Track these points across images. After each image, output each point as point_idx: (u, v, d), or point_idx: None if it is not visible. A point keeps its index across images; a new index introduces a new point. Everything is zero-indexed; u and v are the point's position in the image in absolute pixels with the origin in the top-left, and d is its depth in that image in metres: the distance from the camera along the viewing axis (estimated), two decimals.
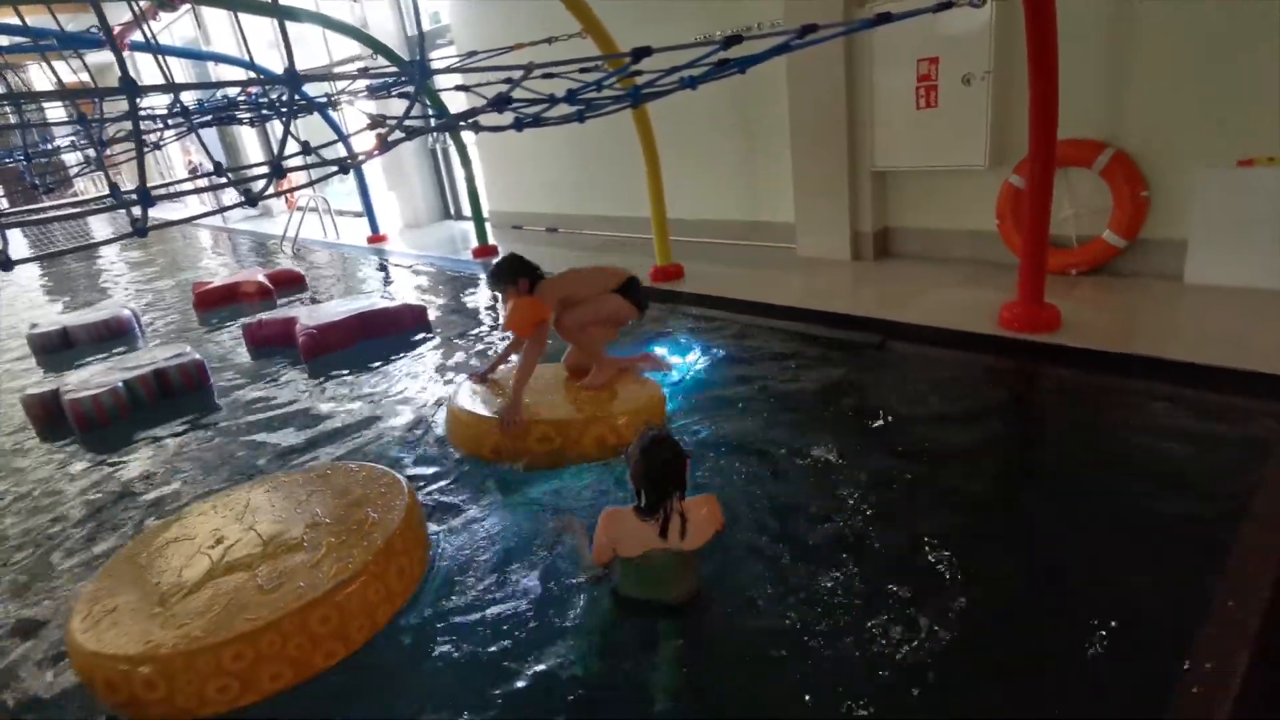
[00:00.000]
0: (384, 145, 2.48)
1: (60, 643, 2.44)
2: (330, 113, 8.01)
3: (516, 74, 3.08)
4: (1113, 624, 1.95)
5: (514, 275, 3.42)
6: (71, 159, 10.80)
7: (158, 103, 9.07)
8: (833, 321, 4.53)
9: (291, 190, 12.04)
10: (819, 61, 5.25)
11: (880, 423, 3.26)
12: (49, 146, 8.61)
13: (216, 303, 7.57)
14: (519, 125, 3.02)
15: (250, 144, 16.93)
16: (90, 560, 3.01)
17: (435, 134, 10.22)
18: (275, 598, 2.15)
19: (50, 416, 4.58)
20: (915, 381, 3.70)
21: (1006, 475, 2.92)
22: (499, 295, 3.39)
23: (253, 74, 8.06)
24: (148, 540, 2.62)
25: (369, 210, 10.46)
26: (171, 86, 2.40)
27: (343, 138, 3.37)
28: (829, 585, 2.24)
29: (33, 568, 3.03)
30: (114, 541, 3.14)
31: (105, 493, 3.64)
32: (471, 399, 3.49)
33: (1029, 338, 3.76)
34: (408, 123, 3.26)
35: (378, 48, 7.15)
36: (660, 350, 4.23)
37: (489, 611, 2.33)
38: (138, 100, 1.76)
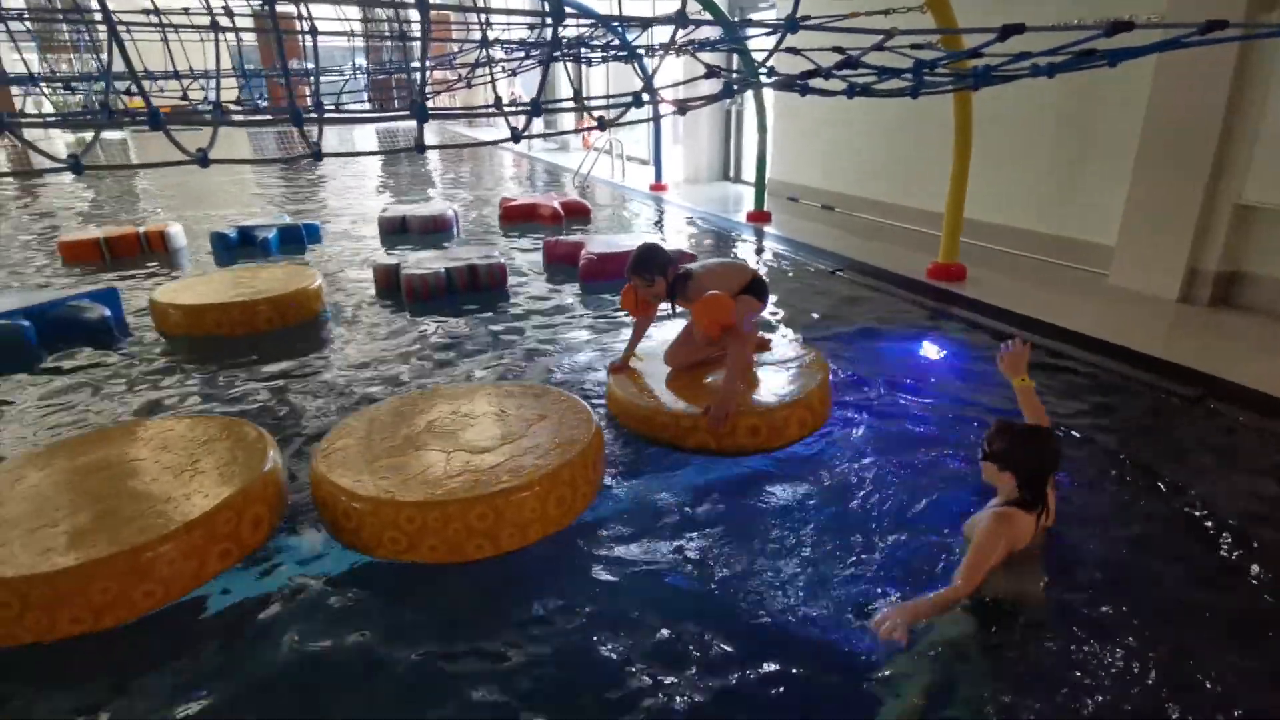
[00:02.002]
0: (728, 93, 2.63)
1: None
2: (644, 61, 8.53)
3: (852, 40, 3.06)
4: None
5: (663, 267, 3.28)
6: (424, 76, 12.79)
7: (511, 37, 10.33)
8: (1138, 361, 3.98)
9: (590, 129, 13.06)
10: (1198, 67, 4.49)
11: (1178, 488, 2.84)
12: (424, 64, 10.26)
13: (518, 218, 8.59)
14: (850, 92, 3.02)
15: (559, 81, 18.53)
16: (367, 398, 3.77)
17: (735, 94, 10.45)
18: (452, 484, 2.44)
19: (389, 284, 5.61)
20: (1239, 453, 3.16)
21: None
22: (633, 279, 3.35)
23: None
24: (393, 404, 3.11)
25: (656, 159, 11.05)
26: (590, 14, 2.75)
27: (649, 86, 3.60)
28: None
29: (335, 394, 3.86)
30: (391, 389, 3.90)
31: (408, 351, 4.52)
32: (639, 392, 3.31)
33: None
34: (721, 80, 3.42)
35: (706, 4, 7.43)
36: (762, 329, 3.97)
37: (635, 571, 2.38)
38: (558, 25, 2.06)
